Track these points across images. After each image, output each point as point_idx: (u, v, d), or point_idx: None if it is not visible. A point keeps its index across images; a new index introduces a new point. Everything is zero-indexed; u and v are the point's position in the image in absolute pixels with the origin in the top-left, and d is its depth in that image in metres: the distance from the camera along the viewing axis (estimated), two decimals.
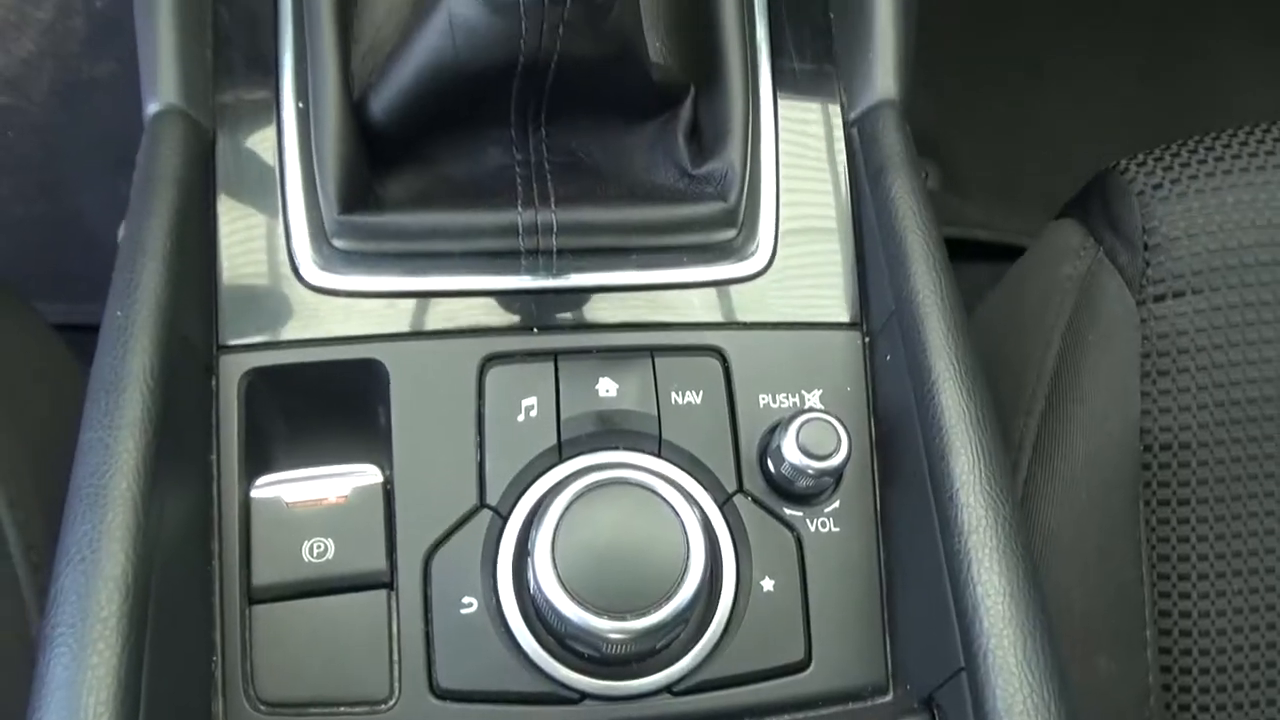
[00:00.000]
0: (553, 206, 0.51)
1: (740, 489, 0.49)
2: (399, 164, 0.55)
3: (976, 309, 0.73)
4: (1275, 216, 0.66)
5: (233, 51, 0.54)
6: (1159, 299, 0.66)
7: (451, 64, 0.48)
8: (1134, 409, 0.65)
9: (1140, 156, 0.70)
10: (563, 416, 0.49)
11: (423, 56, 0.48)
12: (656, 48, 0.58)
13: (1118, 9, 1.43)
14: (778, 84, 0.57)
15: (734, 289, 0.53)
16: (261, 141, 0.53)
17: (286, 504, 0.47)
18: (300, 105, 0.53)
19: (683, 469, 0.49)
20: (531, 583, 0.45)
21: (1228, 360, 0.65)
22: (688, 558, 0.44)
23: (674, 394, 0.50)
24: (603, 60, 0.49)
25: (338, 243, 0.51)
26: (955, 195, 1.33)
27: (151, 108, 0.52)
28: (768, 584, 0.48)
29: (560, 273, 0.52)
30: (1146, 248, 0.66)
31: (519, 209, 0.51)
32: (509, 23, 0.45)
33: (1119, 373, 0.64)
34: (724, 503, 0.49)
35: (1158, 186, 0.67)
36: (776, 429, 0.49)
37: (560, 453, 0.49)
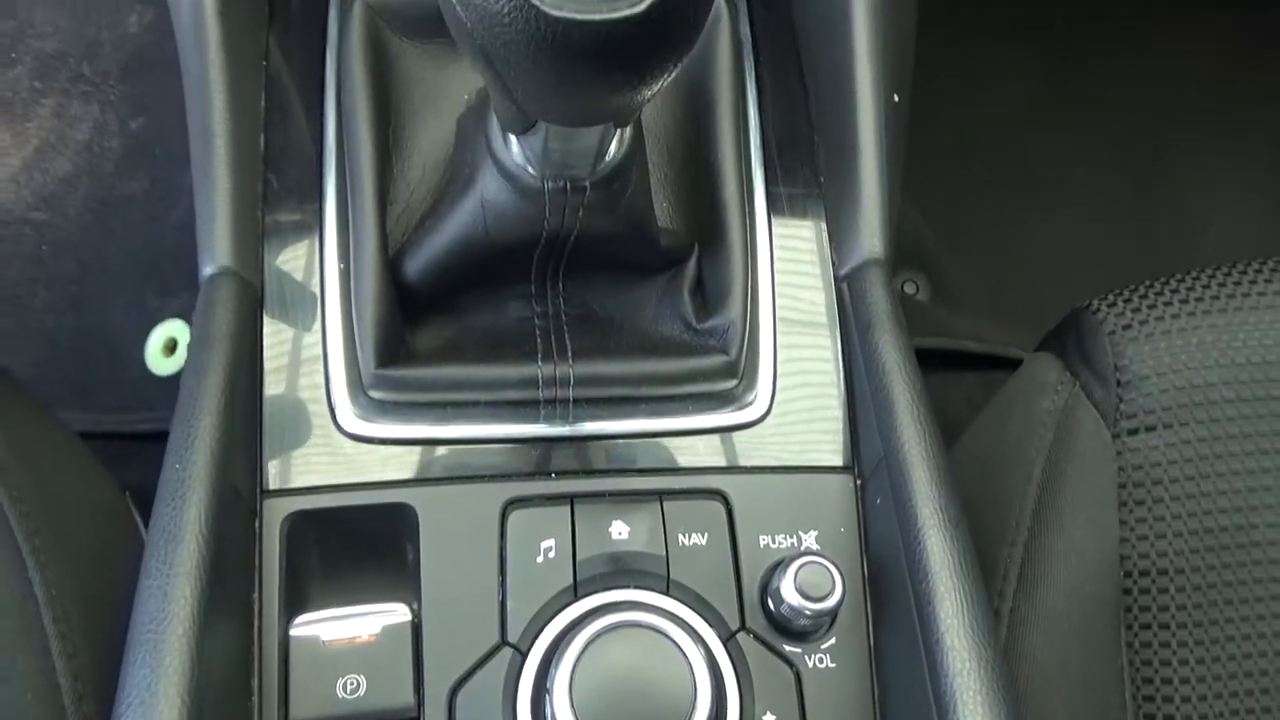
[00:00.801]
0: (570, 360, 0.56)
1: (743, 626, 0.53)
2: (428, 316, 0.60)
3: (962, 438, 0.78)
4: (1236, 356, 0.71)
5: (281, 215, 0.60)
6: (1132, 433, 0.70)
7: (482, 239, 0.53)
8: (1113, 537, 0.69)
9: (1110, 297, 0.75)
10: (578, 558, 0.53)
11: (455, 231, 0.54)
12: (663, 208, 0.64)
13: (1099, 135, 1.51)
14: (774, 243, 0.62)
15: (735, 435, 0.57)
16: (306, 300, 0.58)
17: (323, 642, 0.51)
18: (342, 266, 0.58)
19: (690, 607, 0.53)
20: (550, 719, 0.48)
21: (1199, 491, 0.70)
22: (694, 696, 0.48)
23: (681, 536, 0.54)
24: (617, 234, 0.54)
25: (374, 394, 0.56)
26: (945, 306, 1.39)
27: (207, 269, 0.57)
28: (769, 718, 0.51)
29: (576, 421, 0.56)
30: (1119, 384, 0.71)
31: (539, 362, 0.56)
32: (535, 207, 0.51)
33: (1097, 503, 0.68)
34: (728, 639, 0.53)
35: (1127, 327, 0.73)
36: (776, 569, 0.53)
37: (575, 592, 0.53)
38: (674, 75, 0.38)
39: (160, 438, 1.26)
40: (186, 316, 1.26)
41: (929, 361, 1.34)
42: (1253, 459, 0.70)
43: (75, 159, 1.37)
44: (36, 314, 1.28)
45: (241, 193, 0.59)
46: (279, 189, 0.61)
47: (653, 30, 0.34)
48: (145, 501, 0.87)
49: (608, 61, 0.35)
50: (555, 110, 0.40)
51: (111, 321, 1.26)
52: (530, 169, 0.49)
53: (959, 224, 1.43)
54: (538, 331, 0.59)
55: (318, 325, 0.58)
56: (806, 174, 0.65)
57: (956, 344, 1.32)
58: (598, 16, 0.33)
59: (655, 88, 0.38)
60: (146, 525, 0.79)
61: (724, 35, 0.65)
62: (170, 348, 1.23)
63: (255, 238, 0.59)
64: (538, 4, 0.32)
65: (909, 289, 1.38)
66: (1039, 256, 1.42)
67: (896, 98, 0.66)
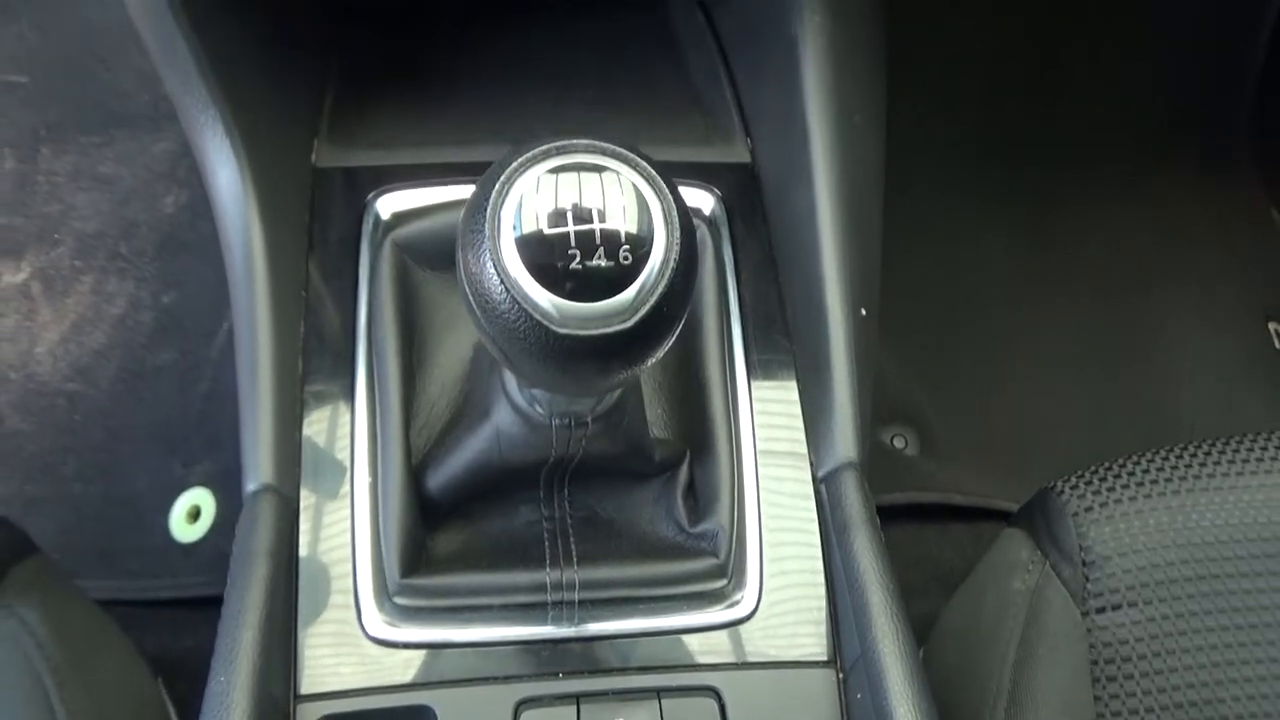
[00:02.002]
0: (575, 564, 0.62)
1: None
2: (446, 521, 0.67)
3: (942, 613, 0.83)
4: (1192, 536, 0.77)
5: (317, 433, 0.67)
6: (1100, 611, 0.75)
7: (496, 461, 0.60)
8: (1088, 713, 0.73)
9: (1073, 479, 0.82)
10: None
11: (472, 455, 0.61)
12: (659, 414, 0.71)
13: (1077, 295, 1.61)
14: (758, 448, 0.69)
15: (726, 632, 0.63)
16: (338, 512, 0.65)
17: None
18: (370, 480, 0.65)
19: None
20: None
21: (1166, 667, 0.74)
22: None
23: None
24: (616, 454, 0.61)
25: (398, 600, 0.62)
26: (933, 460, 1.45)
27: (250, 485, 0.64)
28: None
29: (581, 622, 0.62)
30: (1085, 564, 0.77)
31: (547, 568, 0.62)
32: (544, 438, 0.58)
33: (1071, 683, 0.73)
34: None
35: (1089, 509, 0.79)
36: None
37: None
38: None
39: (183, 604, 1.31)
40: (210, 484, 1.32)
41: (920, 515, 1.40)
42: (1215, 635, 0.75)
43: (109, 332, 1.46)
44: (66, 481, 1.34)
45: (283, 414, 0.66)
46: (315, 408, 0.68)
47: (641, 335, 0.42)
48: (170, 670, 0.91)
49: (604, 360, 0.42)
50: (558, 388, 0.48)
51: (137, 489, 1.32)
52: (539, 408, 0.56)
53: (945, 380, 1.51)
54: (546, 536, 0.65)
55: (347, 535, 0.64)
56: (786, 383, 0.72)
57: (945, 497, 1.37)
58: (596, 332, 0.40)
59: (645, 367, 0.45)
60: (178, 709, 0.84)
61: (708, 259, 0.73)
62: (194, 515, 1.29)
63: (294, 455, 0.66)
64: (547, 324, 0.40)
65: (898, 443, 1.45)
66: (1022, 411, 1.49)
67: (864, 311, 0.74)
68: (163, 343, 1.45)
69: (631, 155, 0.43)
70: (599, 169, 0.43)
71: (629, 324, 0.40)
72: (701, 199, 0.77)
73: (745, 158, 0.82)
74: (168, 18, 0.65)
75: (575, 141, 0.43)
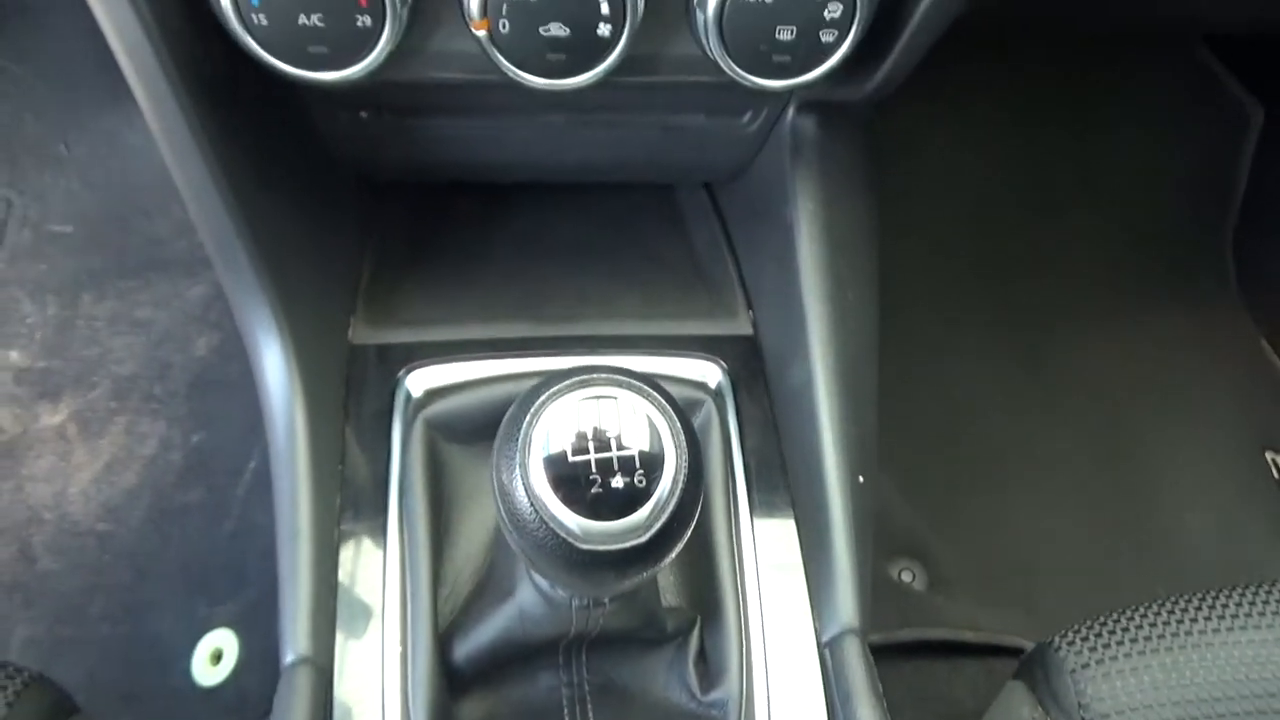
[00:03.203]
0: None
1: None
2: (470, 686, 0.70)
3: None
4: (1188, 694, 0.80)
5: (350, 604, 0.72)
6: None
7: (519, 637, 0.65)
8: None
9: (1070, 634, 0.85)
10: None
11: (496, 630, 0.65)
12: (670, 581, 0.75)
13: (1072, 420, 1.66)
14: (765, 615, 0.73)
15: None
16: (369, 681, 0.68)
17: None
18: (400, 649, 0.69)
19: None
20: None
21: None
22: None
23: None
24: (631, 628, 0.65)
25: None
26: (941, 594, 1.47)
27: (288, 657, 0.68)
28: None
29: None
30: None
31: None
32: (565, 615, 0.62)
33: None
34: None
35: (1085, 665, 0.82)
36: None
37: None
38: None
39: None
40: (234, 626, 1.36)
41: (931, 651, 1.42)
42: None
43: (140, 472, 1.52)
44: (94, 622, 1.38)
45: (320, 585, 0.71)
46: (349, 578, 0.73)
47: (655, 546, 0.47)
48: None
49: (622, 568, 0.47)
50: (578, 589, 0.53)
51: (162, 629, 1.35)
52: (560, 590, 0.61)
53: (949, 510, 1.54)
54: (564, 703, 0.68)
55: (378, 703, 0.68)
56: (790, 547, 0.77)
57: (956, 634, 1.39)
58: (615, 547, 0.45)
59: (660, 568, 0.50)
60: None
61: (714, 430, 0.79)
62: (216, 658, 1.31)
63: (329, 626, 0.70)
64: (571, 540, 0.45)
65: (905, 577, 1.47)
66: (1026, 541, 1.52)
67: (862, 479, 0.79)
68: (191, 482, 1.50)
69: (644, 386, 0.49)
70: (616, 397, 0.48)
71: (644, 539, 0.46)
72: (708, 371, 0.83)
73: (748, 330, 0.88)
74: (223, 215, 0.72)
75: (596, 376, 0.49)
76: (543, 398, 0.48)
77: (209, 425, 1.56)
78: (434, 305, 0.88)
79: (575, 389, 0.48)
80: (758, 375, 0.85)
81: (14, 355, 1.60)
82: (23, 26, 1.71)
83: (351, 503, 0.76)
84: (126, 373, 1.61)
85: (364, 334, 0.84)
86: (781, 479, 0.80)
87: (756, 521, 0.77)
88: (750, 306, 0.90)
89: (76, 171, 1.76)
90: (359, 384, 0.81)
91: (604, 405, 0.48)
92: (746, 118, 0.85)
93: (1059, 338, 1.71)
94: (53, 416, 1.56)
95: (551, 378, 0.49)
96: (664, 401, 0.49)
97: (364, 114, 0.82)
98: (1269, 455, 1.64)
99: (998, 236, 1.77)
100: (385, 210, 0.98)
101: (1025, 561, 1.49)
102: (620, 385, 0.48)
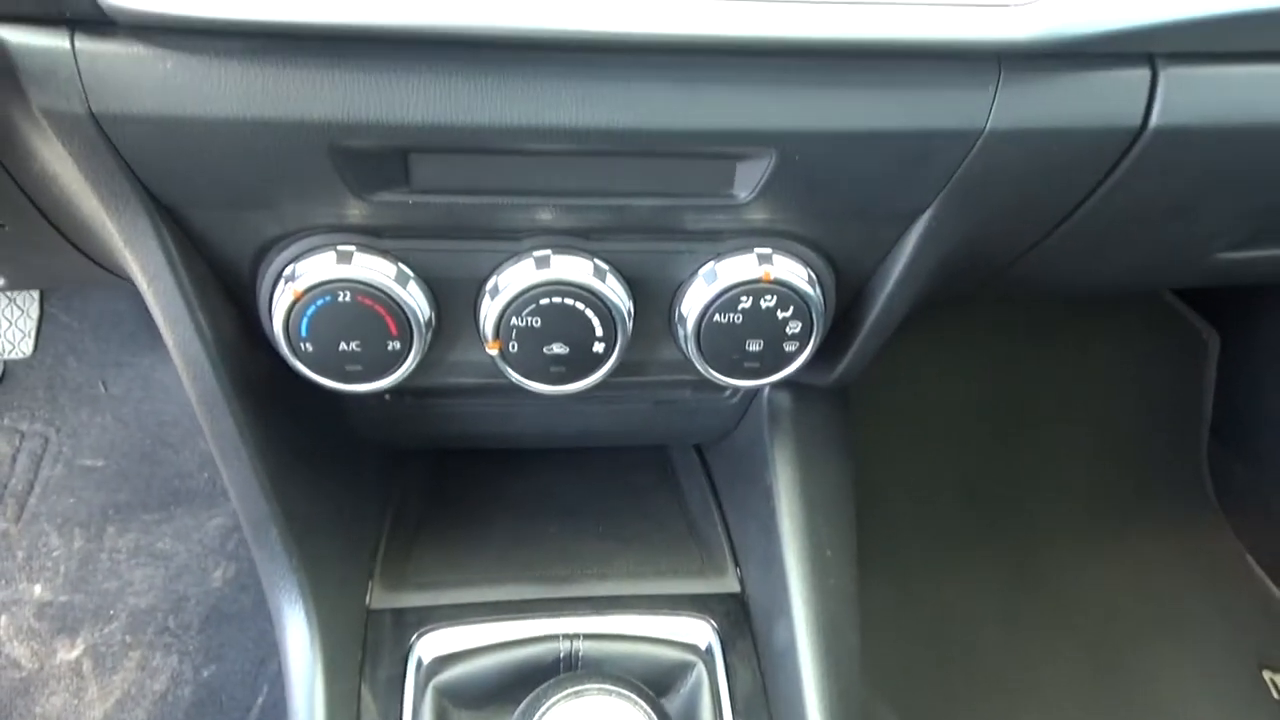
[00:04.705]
0: None
1: None
2: None
3: None
4: None
5: None
6: None
7: None
8: None
9: None
10: None
11: None
12: None
13: (1065, 638, 1.68)
14: None
15: None
16: None
17: None
18: None
19: None
20: None
21: None
22: None
23: None
24: None
25: None
26: None
27: None
28: None
29: None
30: None
31: None
32: None
33: None
34: None
35: None
36: None
37: None
38: None
39: None
40: None
41: None
42: None
43: (150, 708, 1.54)
44: None
45: None
46: None
47: None
48: None
49: None
50: None
51: None
52: None
53: None
54: None
55: None
56: None
57: None
58: None
59: None
60: None
61: (704, 693, 0.84)
62: None
63: None
64: None
65: None
66: None
67: None
68: (200, 713, 1.52)
69: (630, 694, 0.56)
70: (606, 698, 0.55)
71: None
72: (698, 631, 0.90)
73: (735, 587, 0.95)
74: (260, 500, 0.81)
75: (588, 686, 0.56)
76: (547, 704, 0.55)
77: (220, 658, 1.59)
78: (446, 568, 0.96)
79: (572, 699, 0.55)
80: (746, 633, 0.91)
81: (38, 589, 1.66)
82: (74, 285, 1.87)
83: None
84: (144, 605, 1.66)
85: (381, 598, 0.91)
86: None
87: None
88: (738, 563, 0.98)
89: (111, 408, 1.88)
90: (375, 648, 0.88)
91: (596, 711, 0.54)
92: (728, 393, 0.95)
93: (1048, 556, 1.76)
94: (69, 652, 1.60)
95: (549, 687, 0.56)
96: (646, 705, 0.56)
97: (388, 396, 0.92)
98: (1267, 674, 1.65)
99: (982, 454, 1.86)
100: (403, 474, 1.07)
101: None
102: (610, 694, 0.55)
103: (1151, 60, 0.63)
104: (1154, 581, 1.74)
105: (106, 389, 1.87)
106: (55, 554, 1.70)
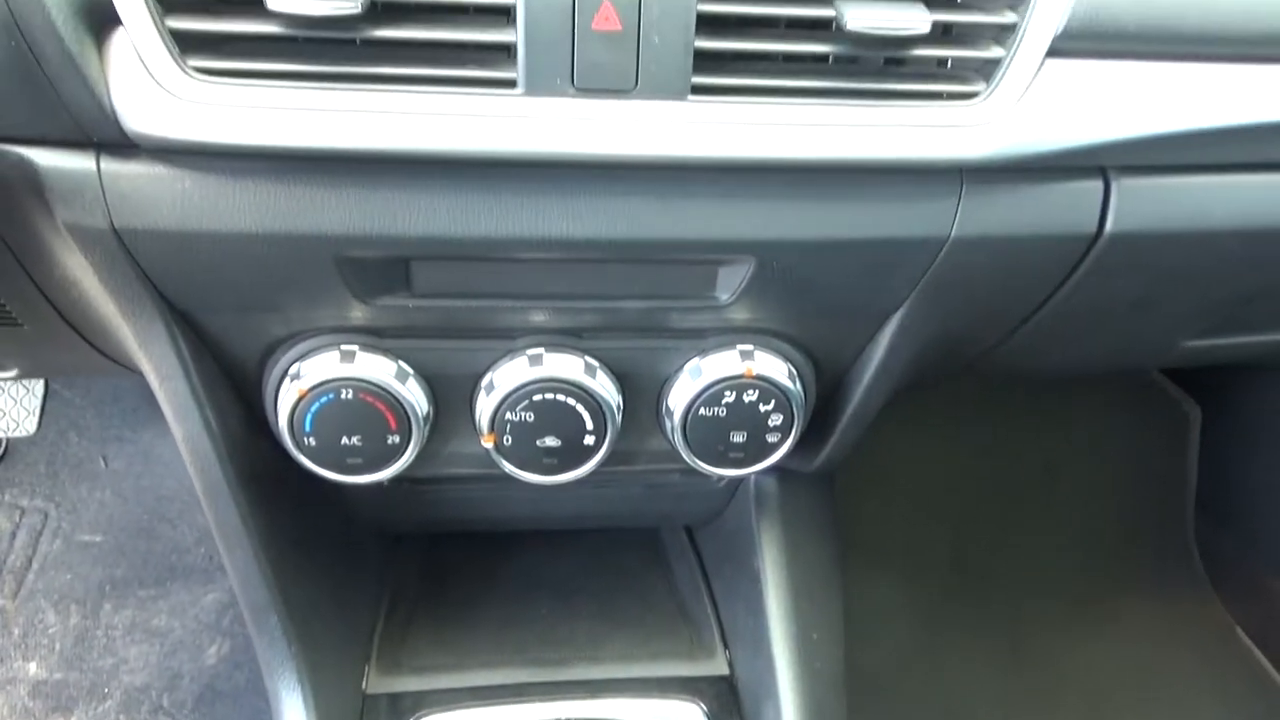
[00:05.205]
0: None
1: None
2: None
3: None
4: None
5: None
6: None
7: None
8: None
9: None
10: None
11: None
12: None
13: (1058, 706, 1.68)
14: None
15: None
16: None
17: None
18: None
19: None
20: None
21: None
22: None
23: None
24: None
25: None
26: None
27: None
28: None
29: None
30: None
31: None
32: None
33: None
34: None
35: None
36: None
37: None
38: None
39: None
40: None
41: None
42: None
43: None
44: None
45: None
46: None
47: None
48: None
49: None
50: None
51: None
52: None
53: None
54: None
55: None
56: None
57: None
58: None
59: None
60: None
61: None
62: None
63: None
64: None
65: None
66: None
67: None
68: None
69: None
70: None
71: None
72: (688, 714, 0.91)
73: (724, 670, 0.97)
74: (261, 588, 0.83)
75: None
76: None
77: None
78: (441, 651, 0.97)
79: None
80: (734, 716, 0.92)
81: (33, 668, 1.66)
82: None
83: None
84: (138, 683, 1.66)
85: (377, 683, 0.93)
86: None
87: None
88: (727, 645, 0.99)
89: (111, 483, 1.90)
90: None
91: None
92: (716, 477, 0.98)
93: (1039, 634, 1.77)
94: None
95: None
96: None
97: (386, 484, 0.95)
98: None
99: (969, 531, 1.87)
100: (398, 557, 1.09)
101: None
102: None
103: (1104, 172, 0.68)
104: (1145, 656, 1.75)
105: (107, 464, 1.89)
106: (51, 631, 1.70)
